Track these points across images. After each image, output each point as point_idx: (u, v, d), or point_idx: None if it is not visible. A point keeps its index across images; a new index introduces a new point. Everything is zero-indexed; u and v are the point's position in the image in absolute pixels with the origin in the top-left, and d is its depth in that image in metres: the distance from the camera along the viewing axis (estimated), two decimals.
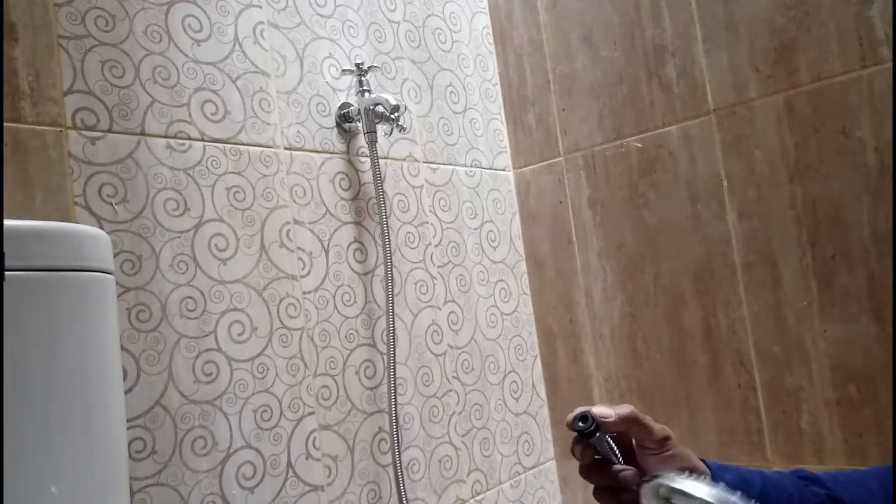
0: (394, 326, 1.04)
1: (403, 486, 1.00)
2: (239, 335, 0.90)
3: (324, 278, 1.01)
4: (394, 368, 1.02)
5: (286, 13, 1.03)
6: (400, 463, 1.00)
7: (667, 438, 0.57)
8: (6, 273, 0.54)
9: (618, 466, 0.58)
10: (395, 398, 1.02)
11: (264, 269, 0.93)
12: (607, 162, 1.24)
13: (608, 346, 1.25)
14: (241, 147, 0.94)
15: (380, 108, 1.05)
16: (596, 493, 0.59)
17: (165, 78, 0.87)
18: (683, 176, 1.15)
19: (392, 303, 1.04)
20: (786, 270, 1.05)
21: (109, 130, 0.81)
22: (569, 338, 1.31)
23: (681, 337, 1.17)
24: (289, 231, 0.97)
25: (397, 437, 1.01)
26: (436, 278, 1.18)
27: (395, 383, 1.02)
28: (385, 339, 1.08)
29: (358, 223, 1.07)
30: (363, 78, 1.08)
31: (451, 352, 1.18)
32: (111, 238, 0.71)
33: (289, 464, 0.92)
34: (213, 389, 0.86)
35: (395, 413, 1.01)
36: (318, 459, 0.96)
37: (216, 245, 0.89)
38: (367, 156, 1.10)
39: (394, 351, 1.03)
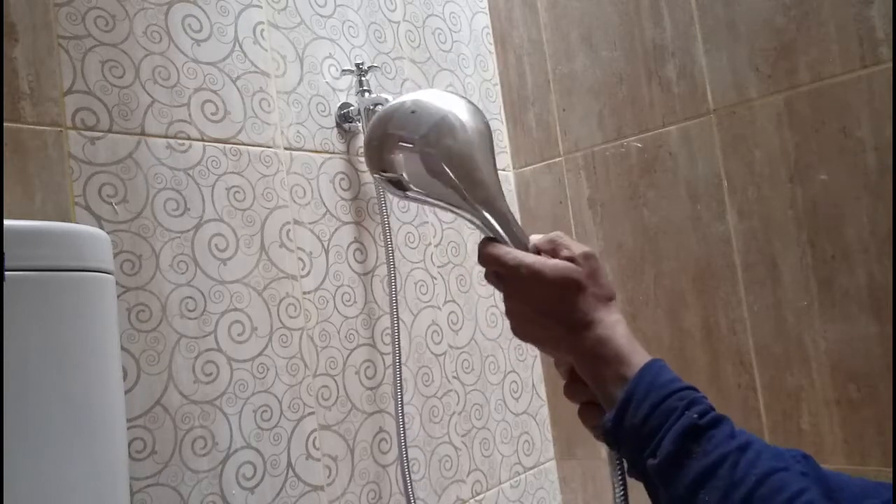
0: (398, 326, 1.04)
1: (411, 484, 1.00)
2: (239, 335, 0.90)
3: (324, 278, 1.01)
4: (399, 368, 1.02)
5: (286, 13, 1.03)
6: (407, 461, 1.00)
7: None
8: (6, 273, 0.54)
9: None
10: (402, 397, 1.02)
11: (264, 269, 0.93)
12: (607, 162, 1.24)
13: None
14: (241, 147, 0.94)
15: (380, 108, 1.05)
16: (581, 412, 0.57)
17: (165, 78, 0.87)
18: (683, 176, 1.15)
19: (396, 302, 1.04)
20: (786, 270, 1.05)
21: (109, 130, 0.81)
22: None
23: (681, 337, 1.17)
24: (289, 231, 0.97)
25: (403, 436, 1.01)
26: (436, 278, 1.18)
27: (401, 383, 1.02)
28: (385, 339, 1.08)
29: (358, 223, 1.07)
30: (363, 78, 1.08)
31: (451, 352, 1.18)
32: (111, 238, 0.71)
33: (289, 464, 0.92)
34: (213, 389, 0.86)
35: (402, 412, 1.01)
36: (318, 459, 0.96)
37: (216, 245, 0.89)
38: None
39: (398, 350, 1.03)
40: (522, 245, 0.56)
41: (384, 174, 0.53)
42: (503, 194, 0.56)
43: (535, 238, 0.58)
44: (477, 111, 0.57)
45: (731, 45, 1.09)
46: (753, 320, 1.09)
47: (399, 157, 0.53)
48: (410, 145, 0.53)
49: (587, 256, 0.54)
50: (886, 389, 0.97)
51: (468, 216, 0.55)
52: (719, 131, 1.11)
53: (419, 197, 0.54)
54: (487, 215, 0.55)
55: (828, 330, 1.02)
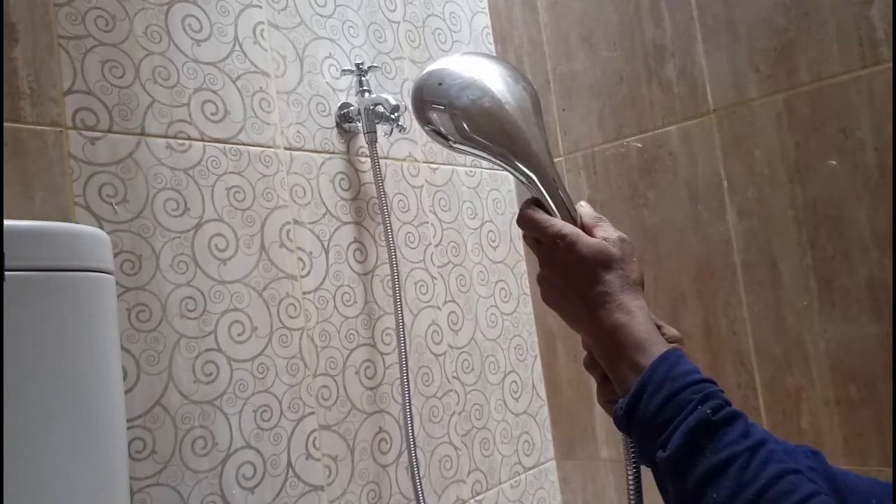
0: (403, 323, 1.04)
1: (420, 482, 1.00)
2: (239, 335, 0.90)
3: (324, 278, 1.01)
4: (406, 368, 1.02)
5: (286, 13, 1.03)
6: (417, 460, 1.00)
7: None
8: (6, 273, 0.54)
9: None
10: (410, 396, 1.02)
11: (264, 269, 0.93)
12: (607, 162, 1.24)
13: None
14: (241, 147, 0.94)
15: (380, 108, 1.05)
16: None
17: (165, 78, 0.87)
18: (683, 176, 1.15)
19: (401, 300, 1.04)
20: (786, 270, 1.05)
21: (109, 130, 0.81)
22: (569, 338, 1.31)
23: None
24: (289, 231, 0.97)
25: (413, 437, 1.01)
26: (436, 278, 1.18)
27: (407, 383, 1.02)
28: (385, 339, 1.08)
29: (358, 223, 1.07)
30: (363, 78, 1.08)
31: (451, 352, 1.18)
32: (111, 238, 0.71)
33: (289, 464, 0.92)
34: (213, 389, 0.86)
35: (410, 412, 1.01)
36: (318, 459, 0.96)
37: (216, 245, 0.89)
38: (367, 156, 1.10)
39: (405, 350, 1.03)
40: (567, 213, 0.57)
41: (429, 126, 0.58)
42: (551, 159, 0.58)
43: (582, 210, 0.58)
44: (517, 76, 0.59)
45: (731, 45, 1.09)
46: (753, 320, 1.09)
47: (435, 116, 0.57)
48: (442, 107, 0.57)
49: (622, 240, 0.56)
50: (886, 389, 0.97)
51: (514, 173, 0.57)
52: (719, 131, 1.11)
53: (464, 149, 0.58)
54: (532, 175, 0.57)
55: (828, 330, 1.02)
